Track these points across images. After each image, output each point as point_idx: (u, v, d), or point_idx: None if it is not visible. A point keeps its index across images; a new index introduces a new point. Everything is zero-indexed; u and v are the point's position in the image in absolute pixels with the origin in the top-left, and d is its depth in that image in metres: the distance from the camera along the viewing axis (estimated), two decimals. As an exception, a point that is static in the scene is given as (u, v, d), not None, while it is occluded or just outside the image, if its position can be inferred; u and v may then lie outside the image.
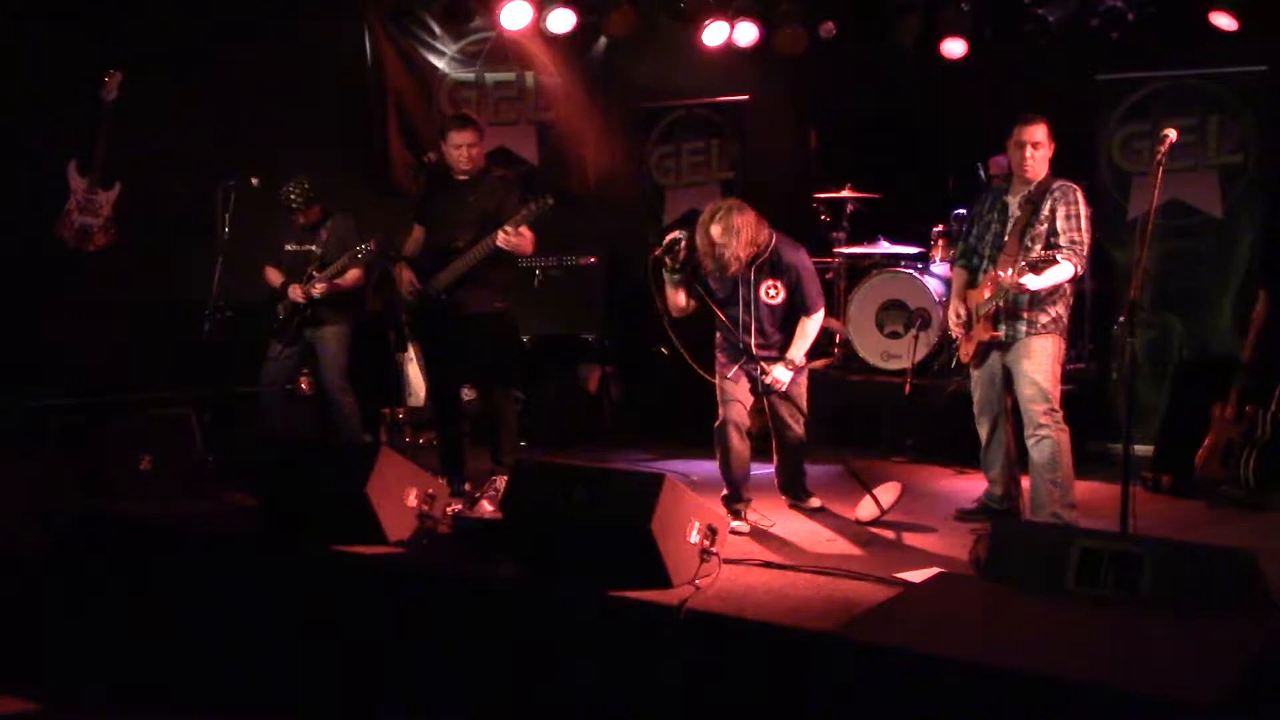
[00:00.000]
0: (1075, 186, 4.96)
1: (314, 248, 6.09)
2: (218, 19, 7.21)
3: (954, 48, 7.70)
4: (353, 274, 6.05)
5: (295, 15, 7.63)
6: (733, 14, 8.02)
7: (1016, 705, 3.01)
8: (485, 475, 5.62)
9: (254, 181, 5.95)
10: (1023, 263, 4.74)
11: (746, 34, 8.06)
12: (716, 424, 5.14)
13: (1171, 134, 4.43)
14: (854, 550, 4.66)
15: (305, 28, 7.76)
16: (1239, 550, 3.52)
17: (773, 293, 5.06)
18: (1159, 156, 4.38)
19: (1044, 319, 4.92)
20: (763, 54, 8.23)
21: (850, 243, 7.77)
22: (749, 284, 5.06)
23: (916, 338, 7.05)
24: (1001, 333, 4.98)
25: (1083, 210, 4.92)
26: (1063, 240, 4.84)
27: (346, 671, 4.35)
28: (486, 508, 5.18)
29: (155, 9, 6.87)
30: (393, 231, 5.73)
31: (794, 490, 5.49)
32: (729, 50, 8.20)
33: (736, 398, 5.13)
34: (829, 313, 5.95)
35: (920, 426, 6.98)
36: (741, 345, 5.12)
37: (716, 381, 5.20)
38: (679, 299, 5.20)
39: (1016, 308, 4.93)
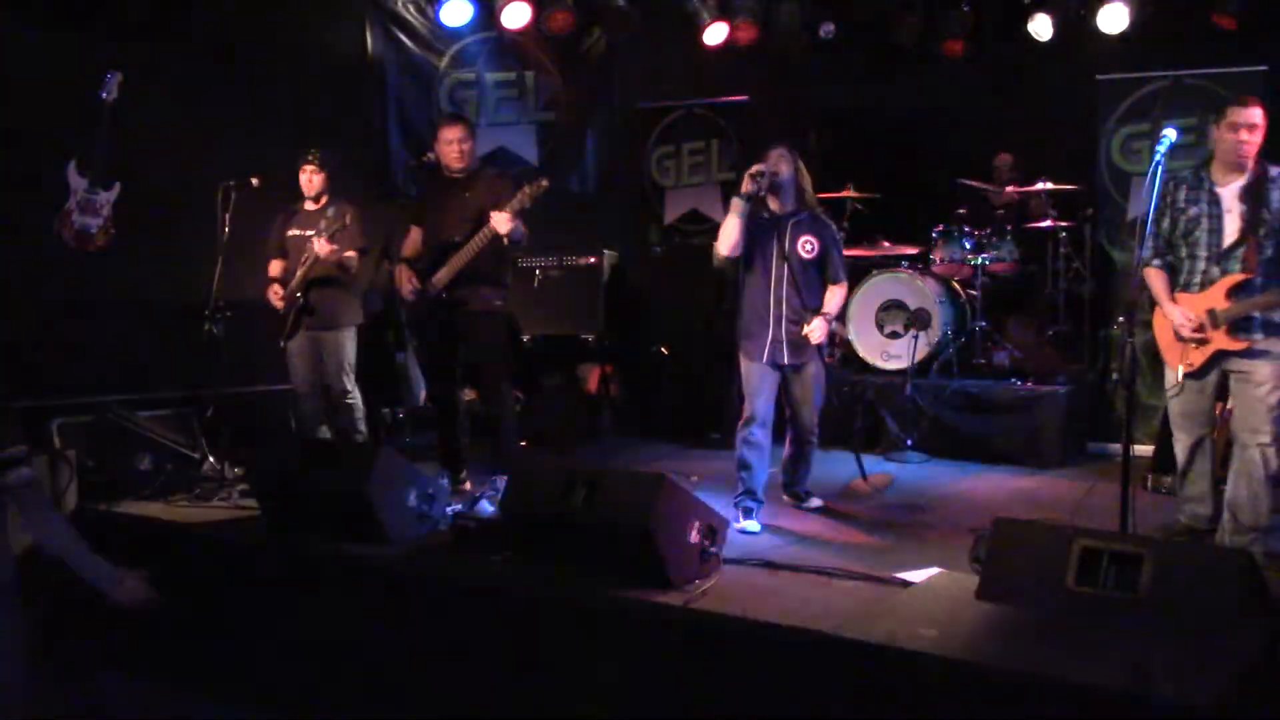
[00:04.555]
0: None
1: (315, 233, 6.07)
2: (218, 18, 7.21)
3: (954, 48, 7.70)
4: (350, 254, 6.03)
5: (295, 15, 7.63)
6: (733, 14, 8.02)
7: (1016, 705, 3.01)
8: (485, 475, 5.62)
9: (254, 181, 5.95)
10: None
11: (746, 34, 8.06)
12: (741, 421, 5.14)
13: (1171, 134, 4.43)
14: (854, 550, 4.66)
15: (305, 27, 7.76)
16: (1239, 550, 3.52)
17: (809, 248, 5.19)
18: (1158, 156, 4.37)
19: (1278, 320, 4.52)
20: (763, 54, 8.23)
21: (850, 243, 7.78)
22: (784, 239, 5.16)
23: (916, 338, 7.07)
24: (1252, 341, 4.47)
25: None
26: None
27: (346, 672, 4.35)
28: (486, 508, 5.18)
29: (155, 9, 6.87)
30: (392, 232, 5.73)
31: (796, 489, 5.52)
32: (729, 50, 8.20)
33: (762, 391, 5.14)
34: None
35: (920, 426, 6.99)
36: (769, 308, 5.12)
37: (741, 369, 5.20)
38: (735, 232, 5.12)
39: (1268, 313, 4.48)
